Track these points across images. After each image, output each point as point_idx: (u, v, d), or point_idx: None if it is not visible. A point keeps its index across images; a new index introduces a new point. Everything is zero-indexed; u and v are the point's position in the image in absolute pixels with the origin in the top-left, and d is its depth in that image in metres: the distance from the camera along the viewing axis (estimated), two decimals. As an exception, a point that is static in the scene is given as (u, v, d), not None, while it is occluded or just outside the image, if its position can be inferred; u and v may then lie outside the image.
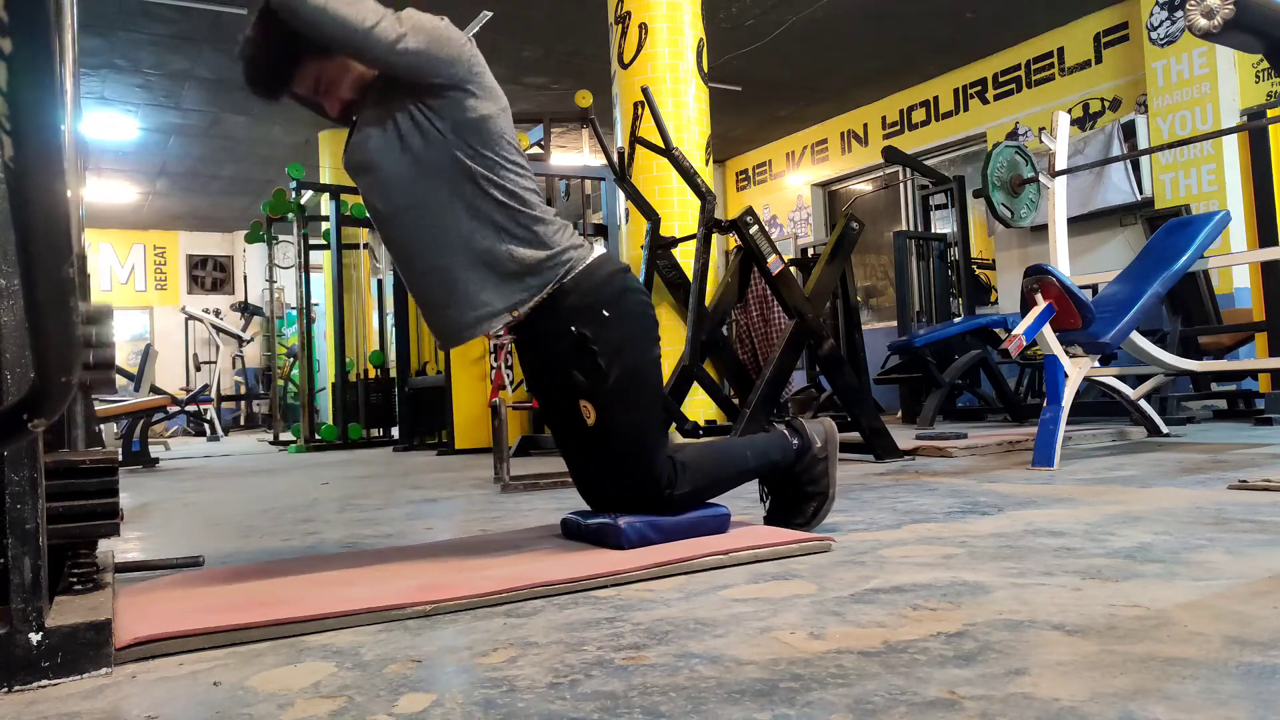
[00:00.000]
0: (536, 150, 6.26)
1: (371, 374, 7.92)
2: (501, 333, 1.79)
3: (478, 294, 1.72)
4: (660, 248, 5.00)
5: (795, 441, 1.99)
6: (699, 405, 5.13)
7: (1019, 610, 1.23)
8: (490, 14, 6.52)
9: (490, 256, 1.71)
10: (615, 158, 5.34)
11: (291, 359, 11.62)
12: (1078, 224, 6.64)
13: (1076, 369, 3.35)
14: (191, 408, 10.37)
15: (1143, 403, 4.15)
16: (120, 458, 2.22)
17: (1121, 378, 3.99)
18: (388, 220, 1.74)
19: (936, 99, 8.87)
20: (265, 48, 1.65)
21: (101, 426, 5.74)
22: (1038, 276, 3.30)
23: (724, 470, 1.91)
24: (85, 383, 1.43)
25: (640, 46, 5.33)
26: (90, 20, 6.50)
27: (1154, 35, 6.68)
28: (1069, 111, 6.94)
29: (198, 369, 12.87)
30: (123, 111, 8.54)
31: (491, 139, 1.70)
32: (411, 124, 1.67)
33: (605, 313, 1.74)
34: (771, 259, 3.64)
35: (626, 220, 5.65)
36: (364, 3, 1.59)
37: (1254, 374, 5.26)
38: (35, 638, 1.08)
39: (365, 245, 8.58)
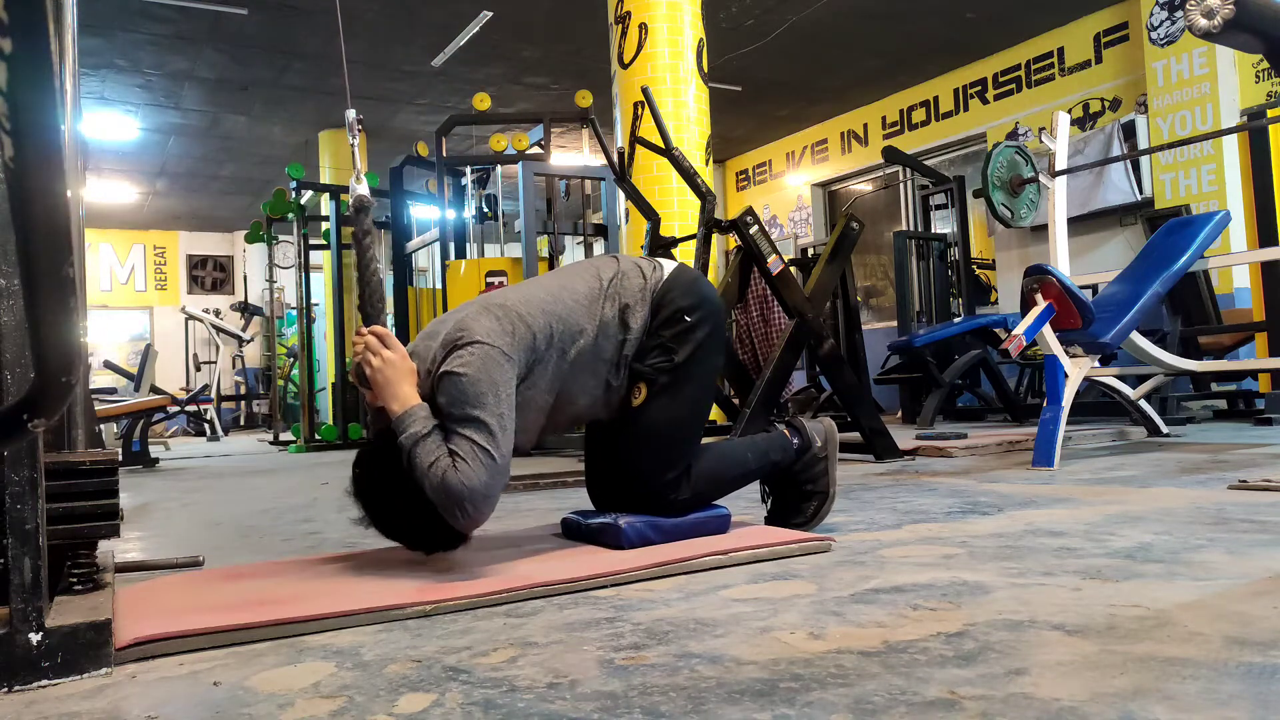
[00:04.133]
0: (536, 150, 6.26)
1: (371, 374, 7.89)
2: None
3: (615, 377, 1.85)
4: (660, 248, 5.00)
5: (795, 441, 1.99)
6: (699, 405, 5.12)
7: (1019, 610, 1.23)
8: (490, 14, 6.52)
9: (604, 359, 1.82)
10: (615, 158, 5.33)
11: (291, 359, 11.61)
12: (1078, 224, 6.64)
13: (1076, 369, 3.35)
14: (191, 408, 10.36)
15: (1143, 403, 4.15)
16: (120, 458, 2.22)
17: (1121, 378, 3.99)
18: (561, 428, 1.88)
19: (936, 99, 8.87)
20: (426, 523, 1.65)
21: (101, 426, 5.74)
22: (1038, 276, 3.30)
23: (725, 473, 1.92)
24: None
25: (640, 46, 5.33)
26: (90, 20, 6.50)
27: (1154, 35, 6.68)
28: (1069, 111, 6.94)
29: (198, 369, 12.86)
30: (123, 111, 8.54)
31: (557, 356, 1.75)
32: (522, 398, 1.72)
33: (688, 317, 1.83)
34: (771, 259, 3.63)
35: (626, 220, 5.65)
36: (471, 452, 1.56)
37: (1254, 374, 5.25)
38: (35, 638, 1.08)
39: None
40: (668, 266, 1.92)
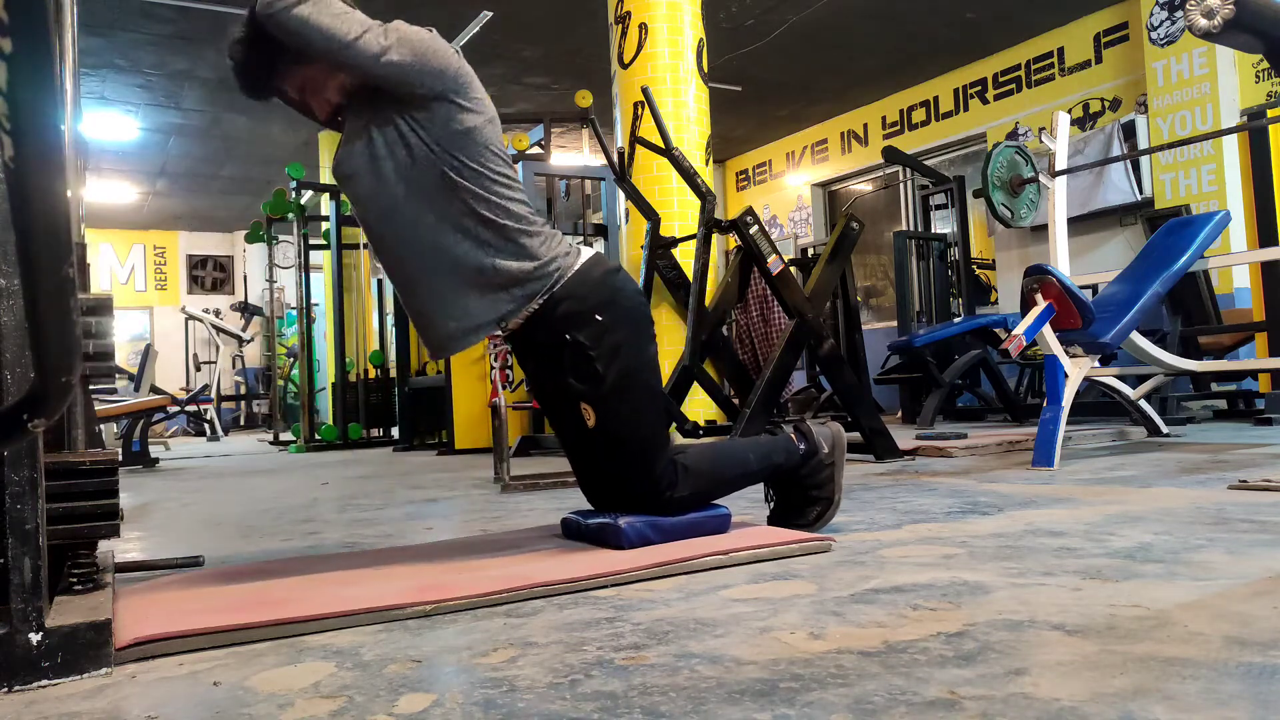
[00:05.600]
0: (536, 150, 6.26)
1: (371, 374, 7.92)
2: (497, 342, 1.81)
3: (464, 306, 1.72)
4: (660, 248, 5.00)
5: (802, 446, 1.98)
6: (699, 405, 5.13)
7: (1019, 610, 1.23)
8: (490, 14, 6.52)
9: (476, 270, 1.71)
10: (615, 158, 5.33)
11: (291, 359, 11.62)
12: (1078, 224, 6.64)
13: (1076, 369, 3.35)
14: (191, 408, 10.36)
15: (1143, 403, 4.15)
16: (120, 458, 2.22)
17: (1121, 378, 3.99)
18: (375, 232, 1.76)
19: (936, 99, 8.87)
20: (251, 51, 1.67)
21: (101, 426, 5.74)
22: (1038, 276, 3.30)
23: (726, 473, 1.90)
24: (85, 374, 1.43)
25: (640, 46, 5.33)
26: (90, 20, 6.49)
27: (1154, 35, 6.68)
28: (1069, 111, 6.95)
29: (198, 369, 12.87)
30: (123, 111, 8.53)
31: (478, 151, 1.69)
32: (398, 136, 1.66)
33: (599, 316, 1.74)
34: (771, 259, 3.64)
35: (626, 220, 5.65)
36: (350, 14, 1.58)
37: (1254, 374, 5.25)
38: (35, 638, 1.08)
39: (365, 245, 8.58)
40: (584, 255, 1.80)
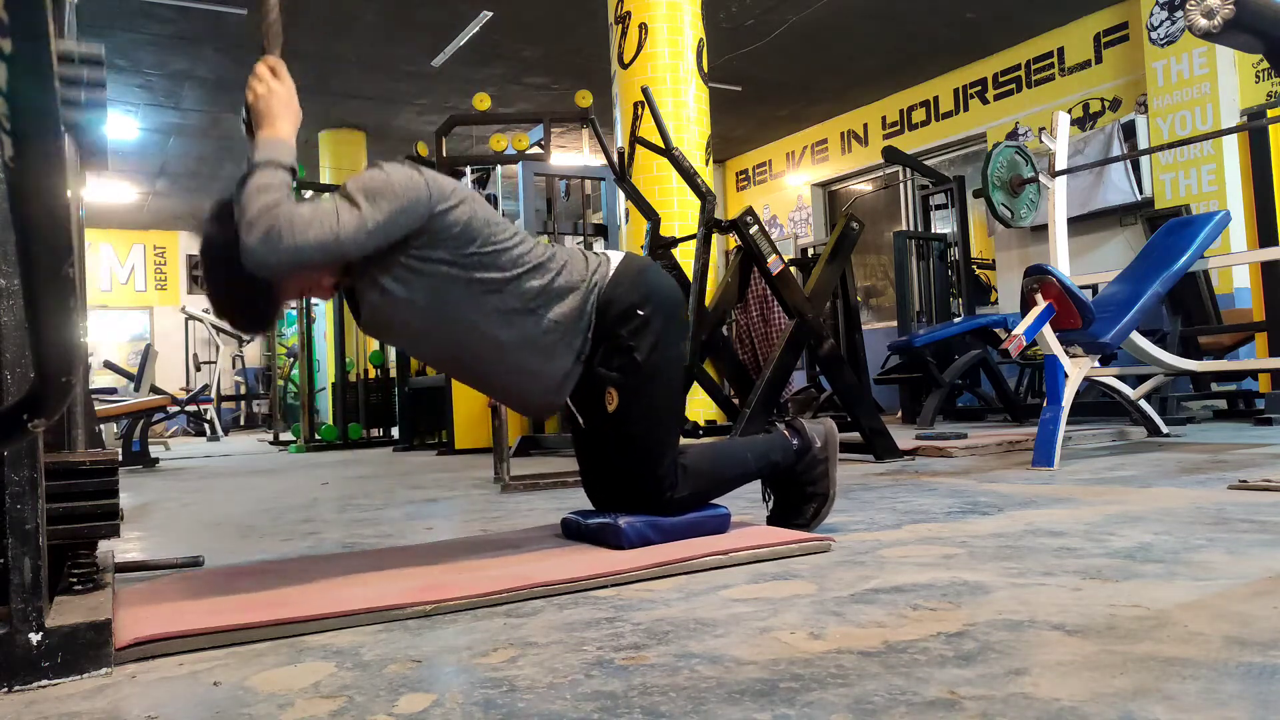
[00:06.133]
0: (536, 150, 6.26)
1: (371, 374, 7.92)
2: None
3: (545, 369, 1.76)
4: (660, 248, 5.00)
5: (795, 442, 1.99)
6: (699, 405, 5.13)
7: (1019, 610, 1.23)
8: (490, 14, 6.52)
9: (538, 337, 1.73)
10: (615, 158, 5.33)
11: (291, 359, 11.61)
12: (1078, 224, 6.64)
13: (1076, 369, 3.35)
14: (191, 408, 10.36)
15: (1143, 403, 4.15)
16: (120, 458, 2.22)
17: (1121, 378, 3.99)
18: (435, 359, 1.82)
19: (936, 99, 8.87)
20: (247, 293, 1.58)
21: (101, 426, 5.74)
22: (1038, 276, 3.30)
23: (725, 473, 1.92)
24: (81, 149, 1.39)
25: (640, 46, 5.33)
26: (90, 20, 6.50)
27: (1154, 35, 6.68)
28: (1069, 111, 6.94)
29: (198, 369, 12.87)
30: (123, 111, 8.54)
31: (477, 234, 1.66)
32: (408, 272, 1.62)
33: (639, 311, 1.79)
34: (771, 259, 3.63)
35: (626, 220, 5.65)
36: (317, 206, 1.50)
37: (1254, 374, 5.25)
38: (35, 638, 1.08)
39: None
40: (614, 259, 1.85)
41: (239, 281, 1.52)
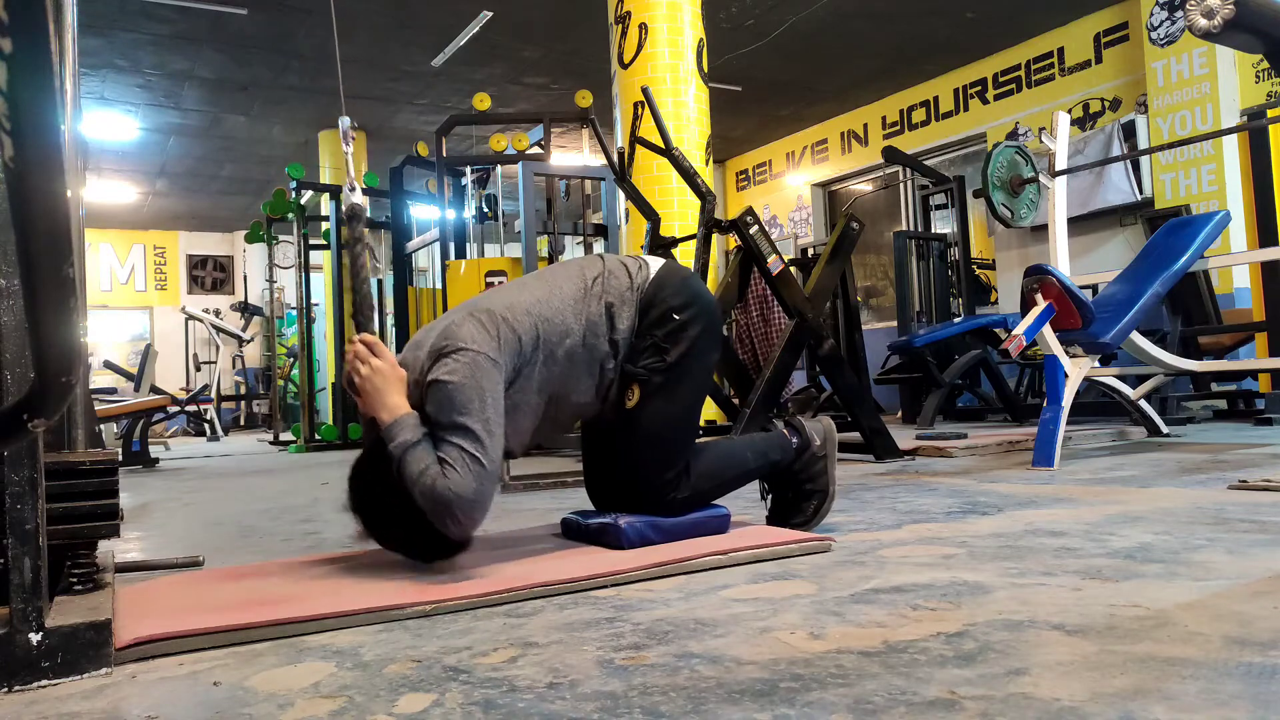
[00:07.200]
0: (536, 150, 6.26)
1: (372, 374, 7.89)
2: None
3: (601, 380, 1.84)
4: (660, 248, 5.00)
5: (794, 440, 2.00)
6: (699, 405, 5.12)
7: (1019, 610, 1.23)
8: (490, 14, 6.52)
9: (603, 359, 1.81)
10: (615, 158, 5.33)
11: (291, 359, 11.61)
12: (1078, 224, 6.64)
13: (1076, 369, 3.35)
14: (191, 408, 10.36)
15: (1143, 403, 4.15)
16: (120, 458, 2.22)
17: (1121, 378, 3.99)
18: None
19: (936, 99, 8.87)
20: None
21: (101, 426, 5.74)
22: (1038, 276, 3.30)
23: (725, 473, 1.92)
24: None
25: (640, 46, 5.33)
26: (90, 20, 6.50)
27: (1154, 35, 6.68)
28: (1069, 111, 6.94)
29: (198, 369, 12.86)
30: (123, 111, 8.54)
31: (540, 348, 1.73)
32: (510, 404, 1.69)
33: (676, 316, 1.82)
34: (771, 259, 3.63)
35: (626, 220, 5.65)
36: (461, 458, 1.55)
37: (1254, 374, 5.25)
38: (35, 638, 1.08)
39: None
40: (655, 264, 1.90)
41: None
